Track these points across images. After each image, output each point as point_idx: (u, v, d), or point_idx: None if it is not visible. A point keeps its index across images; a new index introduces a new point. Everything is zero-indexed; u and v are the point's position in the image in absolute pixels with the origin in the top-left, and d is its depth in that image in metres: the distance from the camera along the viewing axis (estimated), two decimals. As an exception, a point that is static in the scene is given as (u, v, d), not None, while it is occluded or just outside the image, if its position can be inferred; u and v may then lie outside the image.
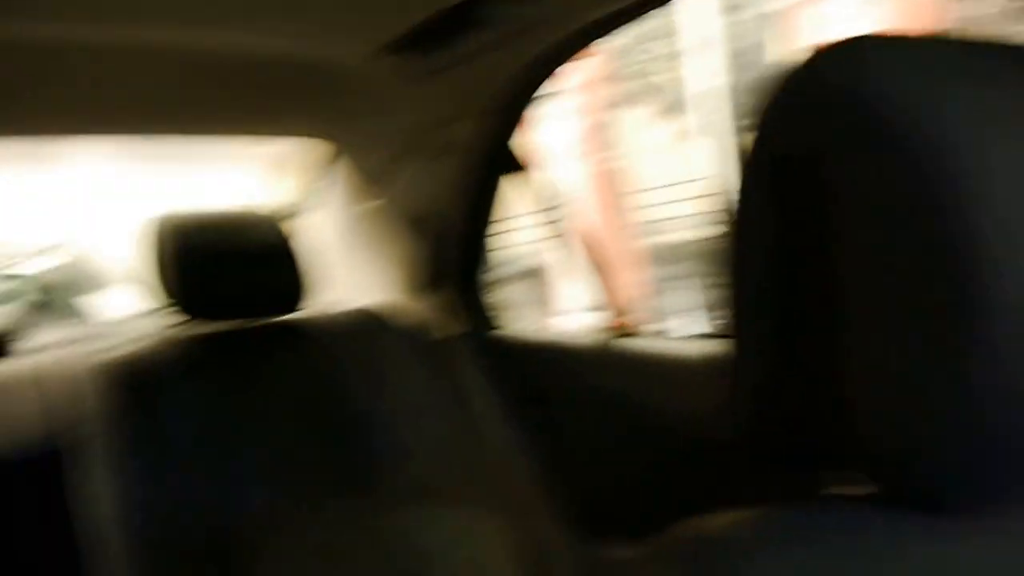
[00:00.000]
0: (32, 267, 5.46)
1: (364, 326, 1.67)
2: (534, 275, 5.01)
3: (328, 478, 1.50)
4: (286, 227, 1.59)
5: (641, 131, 5.25)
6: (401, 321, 1.70)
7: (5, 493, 1.47)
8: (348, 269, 1.96)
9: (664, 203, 4.90)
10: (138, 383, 1.41)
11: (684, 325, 4.24)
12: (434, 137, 1.63)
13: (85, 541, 1.34)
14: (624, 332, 1.57)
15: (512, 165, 1.66)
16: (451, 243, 1.73)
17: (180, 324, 1.56)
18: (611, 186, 4.28)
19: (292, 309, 1.59)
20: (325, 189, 1.98)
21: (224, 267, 1.49)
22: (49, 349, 1.68)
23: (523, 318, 1.91)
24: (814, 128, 0.43)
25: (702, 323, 3.79)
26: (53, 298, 5.22)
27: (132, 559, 1.29)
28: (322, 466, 1.50)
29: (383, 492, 1.51)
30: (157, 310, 1.52)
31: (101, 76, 1.36)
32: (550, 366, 1.69)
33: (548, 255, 4.66)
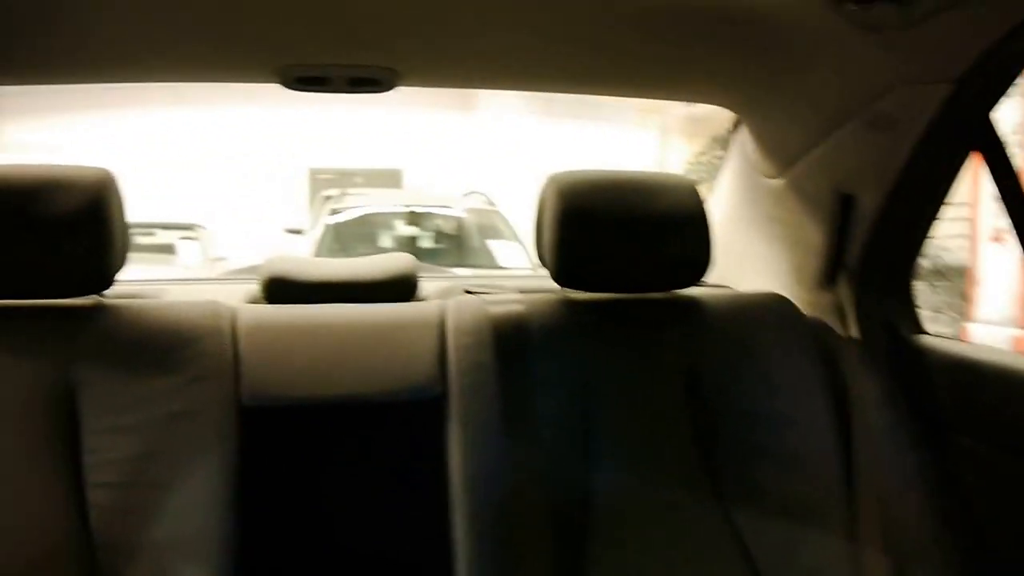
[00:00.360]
0: (453, 210, 5.89)
1: (760, 313, 1.54)
2: (952, 274, 4.51)
3: (691, 471, 1.41)
4: (700, 194, 1.49)
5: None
6: (802, 313, 1.55)
7: (392, 431, 1.53)
8: (738, 250, 1.82)
9: None
10: (517, 342, 1.42)
11: None
12: (870, 106, 1.39)
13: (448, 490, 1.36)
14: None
15: (971, 146, 1.39)
16: (869, 231, 1.51)
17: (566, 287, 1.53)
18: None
19: (690, 284, 1.52)
20: (724, 160, 1.84)
21: (617, 234, 1.43)
22: (450, 293, 1.72)
23: (937, 323, 1.64)
24: None
25: None
26: (468, 241, 5.60)
27: (475, 516, 1.30)
28: (686, 456, 1.42)
29: (748, 498, 1.40)
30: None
31: (511, 28, 1.33)
32: (973, 387, 1.43)
33: (973, 253, 4.14)
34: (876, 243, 1.53)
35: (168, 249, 8.42)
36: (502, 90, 1.69)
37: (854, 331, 1.54)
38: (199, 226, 8.99)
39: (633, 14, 1.25)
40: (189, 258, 8.20)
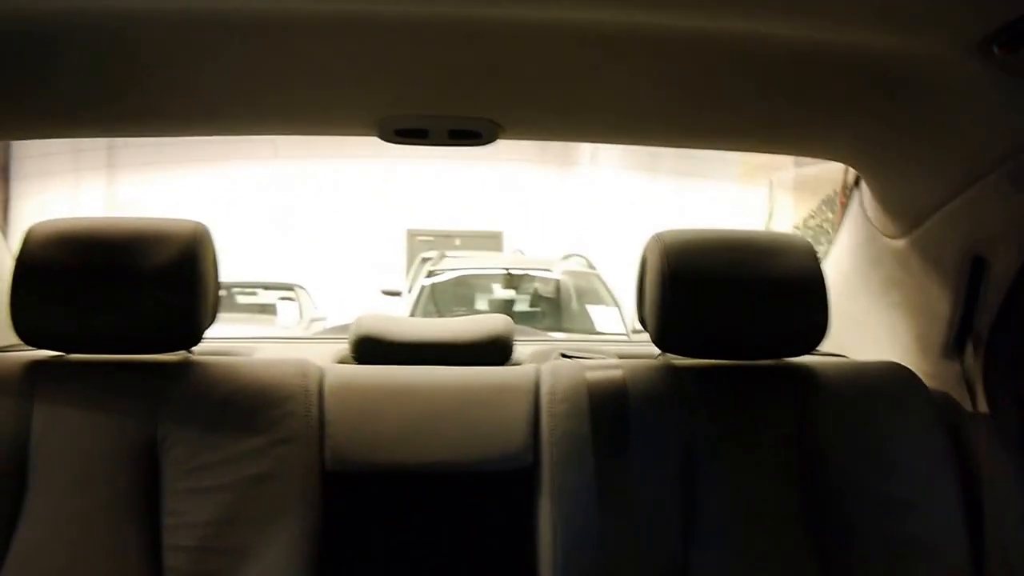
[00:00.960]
0: (552, 272, 5.88)
1: (879, 384, 1.43)
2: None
3: (799, 554, 1.31)
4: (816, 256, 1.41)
5: None
6: (925, 385, 1.43)
7: (480, 501, 1.49)
8: (856, 315, 1.71)
9: None
10: (615, 409, 1.34)
11: None
12: (1011, 160, 1.26)
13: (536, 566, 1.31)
14: None
15: None
16: (1002, 296, 1.39)
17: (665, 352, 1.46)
18: None
19: (803, 353, 1.43)
20: (842, 220, 1.74)
21: (726, 297, 1.36)
22: (546, 357, 1.68)
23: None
24: None
25: None
26: (566, 304, 5.57)
27: None
28: (794, 537, 1.32)
29: None
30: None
31: (616, 80, 1.28)
32: None
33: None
34: (1009, 310, 1.40)
35: (270, 310, 8.68)
36: (607, 144, 1.64)
37: (983, 406, 1.41)
38: (298, 286, 9.28)
39: (746, 63, 1.18)
40: (287, 318, 8.39)
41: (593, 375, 1.38)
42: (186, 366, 1.34)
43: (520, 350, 1.70)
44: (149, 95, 1.33)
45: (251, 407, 1.30)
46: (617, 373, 1.38)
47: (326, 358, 1.61)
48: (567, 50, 1.15)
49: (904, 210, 1.49)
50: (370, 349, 1.57)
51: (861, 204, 1.63)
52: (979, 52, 1.03)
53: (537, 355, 1.73)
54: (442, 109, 1.38)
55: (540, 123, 1.50)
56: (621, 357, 1.56)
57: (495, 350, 1.59)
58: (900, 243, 1.53)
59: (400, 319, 1.68)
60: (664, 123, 1.48)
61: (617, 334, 4.95)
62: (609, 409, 1.34)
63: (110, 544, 1.22)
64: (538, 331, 3.44)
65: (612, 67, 1.22)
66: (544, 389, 1.39)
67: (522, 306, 5.51)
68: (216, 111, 1.42)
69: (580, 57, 1.18)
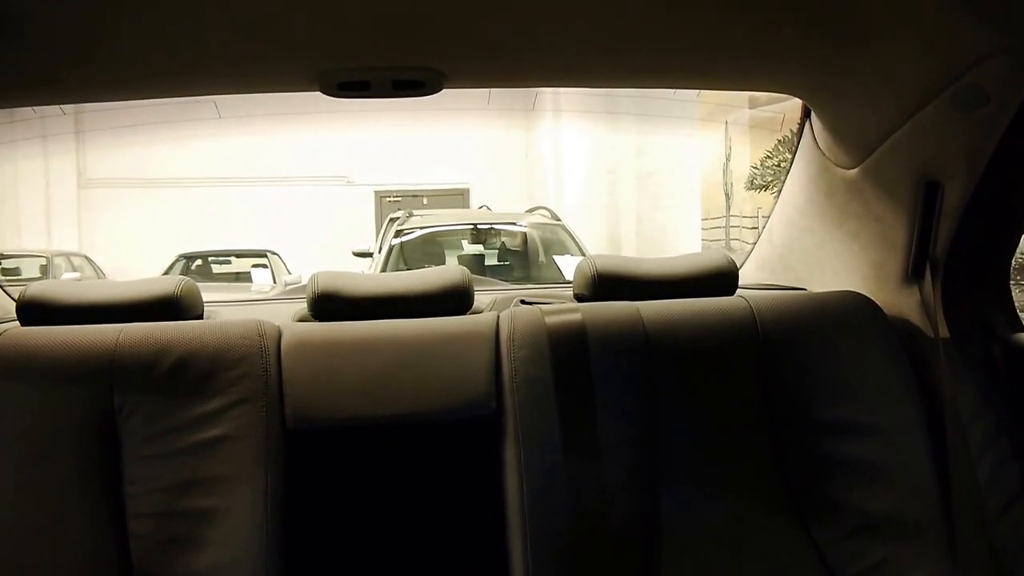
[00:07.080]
0: (518, 226, 5.86)
1: (839, 314, 1.44)
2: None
3: (768, 487, 1.33)
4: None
5: None
6: (884, 313, 1.44)
7: (444, 450, 1.48)
8: (812, 248, 1.71)
9: None
10: (576, 352, 1.35)
11: None
12: (958, 82, 1.24)
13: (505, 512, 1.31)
14: None
15: None
16: (958, 220, 1.39)
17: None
18: None
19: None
20: (796, 152, 1.73)
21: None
22: (505, 304, 1.67)
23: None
24: None
25: None
26: (534, 257, 5.55)
27: (533, 539, 1.24)
28: (761, 470, 1.34)
29: (832, 515, 1.31)
30: None
31: (562, 21, 1.26)
32: None
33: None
34: (966, 233, 1.41)
35: (245, 277, 8.73)
36: (557, 88, 1.62)
37: (943, 331, 1.42)
38: (271, 252, 9.31)
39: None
40: (262, 284, 8.40)
41: (552, 319, 1.38)
42: (140, 332, 1.33)
43: (481, 299, 1.69)
44: (81, 59, 1.30)
45: (207, 369, 1.29)
46: (576, 316, 1.38)
47: (286, 318, 1.59)
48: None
49: (855, 139, 1.49)
50: (328, 306, 1.55)
51: (812, 136, 1.62)
52: None
53: (497, 304, 1.72)
54: (383, 60, 1.35)
55: (485, 70, 1.47)
56: (580, 301, 1.55)
57: (454, 300, 1.58)
58: (853, 173, 1.52)
59: (357, 274, 1.65)
60: (611, 62, 1.46)
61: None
62: (569, 352, 1.34)
63: (75, 514, 1.22)
64: (508, 285, 3.43)
65: (556, 7, 1.19)
66: (504, 335, 1.38)
67: (491, 260, 5.48)
68: (148, 73, 1.39)
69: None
